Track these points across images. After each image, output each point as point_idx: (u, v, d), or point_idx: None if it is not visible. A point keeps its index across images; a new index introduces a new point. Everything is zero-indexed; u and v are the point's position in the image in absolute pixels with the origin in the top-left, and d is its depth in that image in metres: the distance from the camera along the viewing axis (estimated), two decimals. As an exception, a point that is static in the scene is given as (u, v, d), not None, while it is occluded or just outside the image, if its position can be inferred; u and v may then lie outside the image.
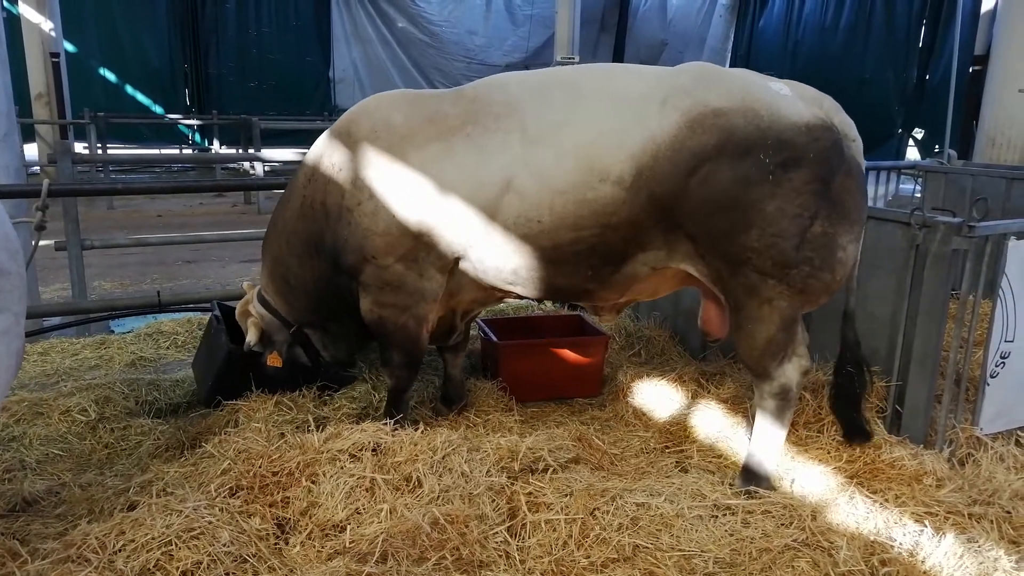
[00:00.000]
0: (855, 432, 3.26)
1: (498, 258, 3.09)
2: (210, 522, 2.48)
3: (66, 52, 15.02)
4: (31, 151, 14.12)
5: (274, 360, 3.73)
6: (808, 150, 2.75)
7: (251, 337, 3.64)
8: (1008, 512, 2.83)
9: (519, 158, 2.96)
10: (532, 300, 3.44)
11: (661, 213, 2.88)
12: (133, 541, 2.36)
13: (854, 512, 2.84)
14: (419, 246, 3.12)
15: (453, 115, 3.10)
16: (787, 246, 2.77)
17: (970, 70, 12.13)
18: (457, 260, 3.18)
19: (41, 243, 3.60)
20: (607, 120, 2.90)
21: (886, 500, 2.90)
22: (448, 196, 3.03)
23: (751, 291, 2.88)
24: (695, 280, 3.10)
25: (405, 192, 3.08)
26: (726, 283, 2.93)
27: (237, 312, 3.81)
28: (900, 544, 2.60)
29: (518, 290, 3.24)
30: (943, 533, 2.62)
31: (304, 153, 3.63)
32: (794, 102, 2.85)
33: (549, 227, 2.95)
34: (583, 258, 3.02)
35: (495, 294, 3.36)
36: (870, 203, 6.12)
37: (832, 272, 2.87)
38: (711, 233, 2.85)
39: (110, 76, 17.50)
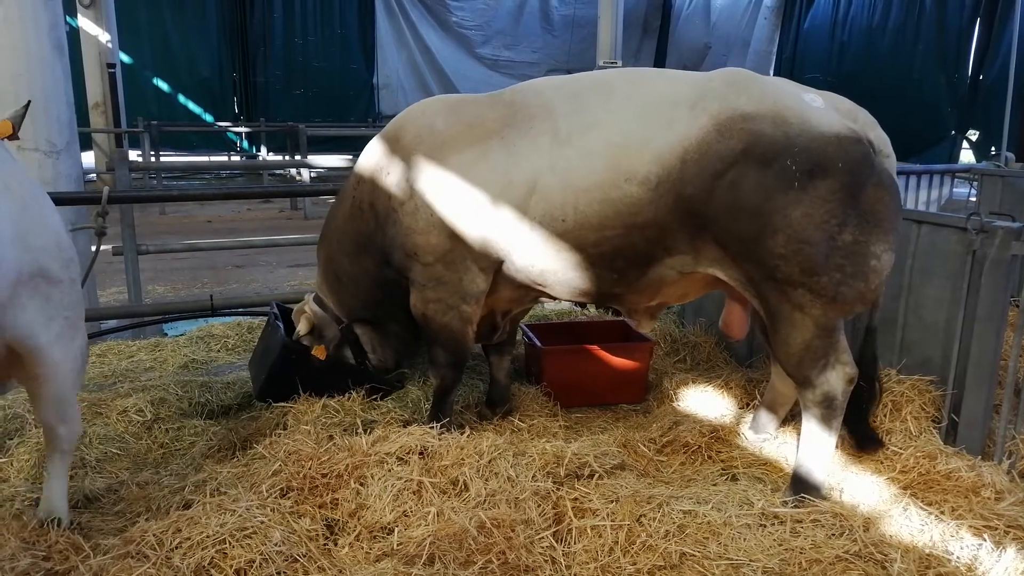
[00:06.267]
0: (866, 441, 3.22)
1: (527, 258, 3.15)
2: (262, 522, 2.53)
3: (121, 63, 15.48)
4: (88, 159, 14.58)
5: (319, 352, 3.82)
6: (837, 160, 2.74)
7: (302, 328, 3.78)
8: (1072, 527, 2.73)
9: (548, 158, 3.02)
10: (566, 301, 3.47)
11: (687, 216, 2.89)
12: (189, 539, 2.43)
13: (908, 524, 2.77)
14: (456, 246, 3.20)
15: (491, 119, 3.19)
16: (814, 253, 2.75)
17: (1028, 69, 11.73)
18: (501, 262, 3.22)
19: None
20: (636, 122, 2.94)
21: (942, 512, 2.82)
22: (481, 198, 3.11)
23: (782, 297, 2.86)
24: (724, 284, 3.09)
25: (442, 194, 3.17)
26: (757, 288, 2.92)
27: (294, 313, 3.95)
28: (957, 558, 2.53)
29: (548, 291, 3.29)
30: (1003, 547, 2.55)
31: (349, 159, 3.72)
32: (825, 112, 2.85)
33: (573, 226, 3.00)
34: (608, 260, 3.05)
35: (530, 293, 3.42)
36: (924, 207, 5.99)
37: (866, 280, 2.83)
38: (738, 238, 2.85)
39: (163, 86, 17.99)
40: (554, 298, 3.41)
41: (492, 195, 3.09)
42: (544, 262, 3.13)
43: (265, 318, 4.41)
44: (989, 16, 15.67)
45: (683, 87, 2.97)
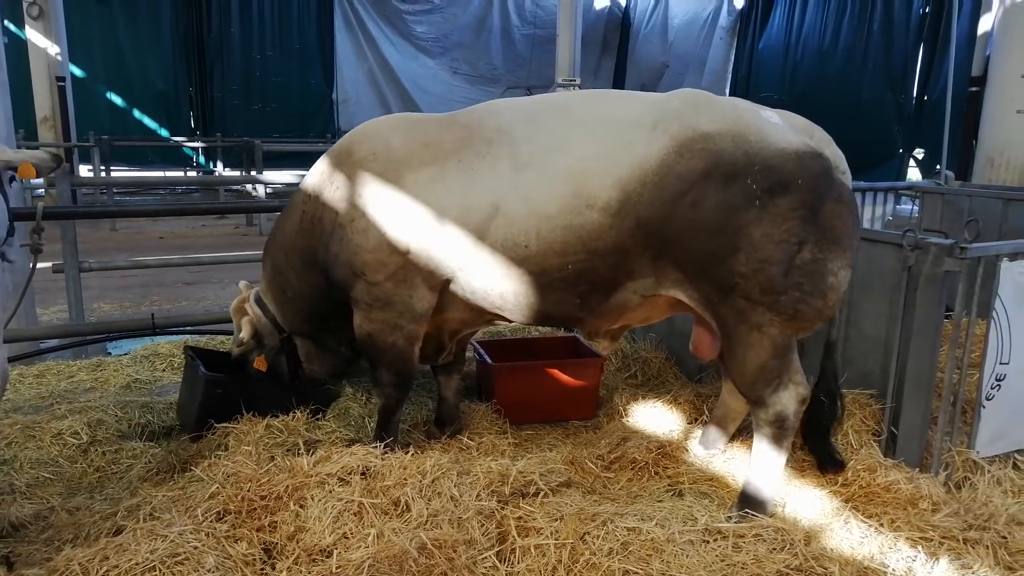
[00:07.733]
0: (827, 461, 3.23)
1: (485, 282, 3.09)
2: (195, 547, 2.45)
3: (73, 76, 15.12)
4: (36, 174, 14.18)
5: (260, 364, 3.76)
6: (796, 176, 2.75)
7: (244, 333, 3.72)
8: (1004, 537, 2.78)
9: (508, 183, 2.97)
10: (523, 325, 3.42)
11: (648, 239, 2.87)
12: (117, 567, 2.34)
13: (848, 537, 2.81)
14: (408, 265, 3.14)
15: (448, 140, 3.14)
16: (775, 272, 2.76)
17: (968, 91, 12.15)
18: (447, 281, 3.19)
19: (40, 265, 3.62)
20: (595, 146, 2.90)
21: (881, 524, 2.87)
22: (437, 219, 3.06)
23: (741, 317, 2.86)
24: (687, 306, 3.08)
25: (397, 213, 3.11)
26: (716, 309, 2.92)
27: (232, 307, 3.86)
28: (893, 570, 2.57)
29: (506, 314, 3.23)
30: (936, 558, 2.59)
31: (305, 175, 3.66)
32: (784, 129, 2.86)
33: (536, 252, 2.96)
34: (570, 285, 3.01)
35: (484, 316, 3.36)
36: (868, 224, 6.14)
37: (824, 298, 2.85)
38: (698, 258, 2.84)
39: (116, 100, 17.63)
40: (510, 321, 3.35)
41: (450, 217, 3.04)
42: (503, 286, 3.07)
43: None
44: (933, 39, 16.23)
45: (642, 108, 2.94)
